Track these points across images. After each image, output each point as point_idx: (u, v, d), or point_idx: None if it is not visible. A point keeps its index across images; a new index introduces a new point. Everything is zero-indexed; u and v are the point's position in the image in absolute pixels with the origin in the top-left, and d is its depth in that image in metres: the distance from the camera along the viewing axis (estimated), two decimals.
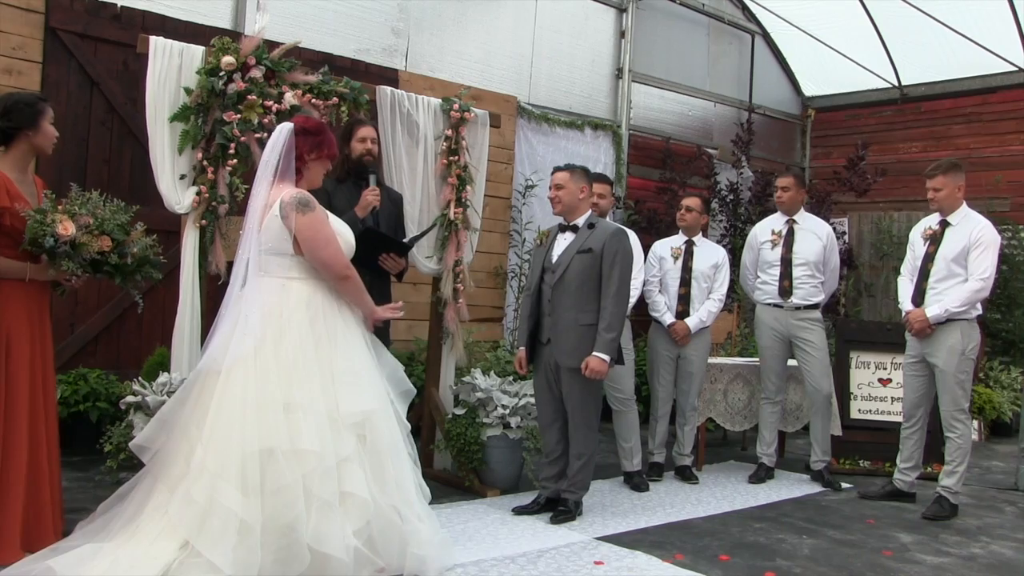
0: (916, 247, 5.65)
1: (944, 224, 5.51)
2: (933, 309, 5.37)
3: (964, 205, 5.53)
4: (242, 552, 3.24)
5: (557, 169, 5.02)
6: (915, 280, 5.57)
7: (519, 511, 4.94)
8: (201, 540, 3.25)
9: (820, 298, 6.19)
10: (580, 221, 4.96)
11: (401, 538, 3.57)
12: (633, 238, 5.84)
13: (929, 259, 5.50)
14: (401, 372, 3.98)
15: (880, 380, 6.87)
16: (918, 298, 5.51)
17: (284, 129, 3.79)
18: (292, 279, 3.70)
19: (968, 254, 5.36)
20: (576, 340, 4.81)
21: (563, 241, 4.97)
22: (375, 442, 3.64)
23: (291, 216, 3.64)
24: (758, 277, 6.31)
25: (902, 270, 5.76)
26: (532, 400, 5.22)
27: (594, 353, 4.73)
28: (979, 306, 5.48)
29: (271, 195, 3.70)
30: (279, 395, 3.49)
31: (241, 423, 3.42)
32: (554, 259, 4.94)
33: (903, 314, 5.60)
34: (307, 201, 3.69)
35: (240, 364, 3.51)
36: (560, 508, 4.90)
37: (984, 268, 5.33)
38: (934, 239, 5.52)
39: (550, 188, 5.01)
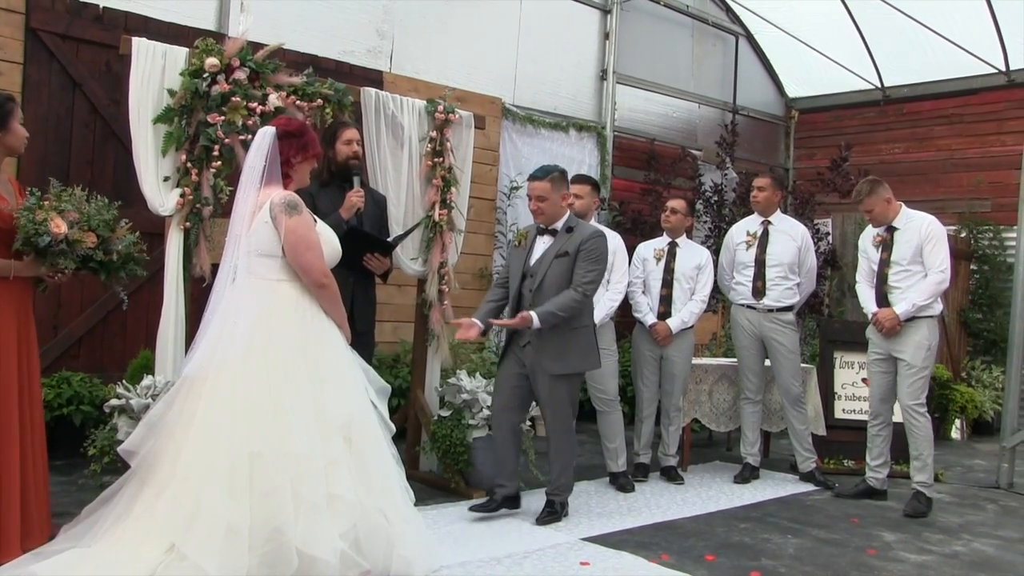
0: (869, 253, 5.81)
1: (891, 229, 5.67)
2: (901, 306, 5.51)
3: (903, 208, 5.69)
4: (229, 555, 3.23)
5: (533, 178, 4.90)
6: (875, 285, 5.70)
7: (476, 509, 4.88)
8: (188, 543, 3.24)
9: (794, 300, 6.24)
10: (559, 224, 4.93)
11: (388, 540, 3.56)
12: (618, 240, 5.87)
13: (885, 264, 5.66)
14: (373, 372, 3.97)
15: (864, 380, 6.89)
16: (882, 301, 5.64)
17: (267, 133, 3.78)
18: (281, 281, 3.71)
19: (922, 250, 5.53)
20: (561, 345, 4.78)
21: (541, 245, 4.93)
22: (360, 444, 3.64)
23: (280, 218, 3.65)
24: (733, 278, 6.35)
25: (857, 277, 5.93)
26: None
27: (532, 311, 4.67)
28: (940, 302, 5.62)
29: (260, 198, 3.70)
30: (268, 398, 3.48)
31: (230, 426, 3.41)
32: (532, 263, 4.91)
33: (870, 316, 5.70)
34: (295, 204, 3.70)
35: (228, 368, 3.51)
36: (547, 509, 4.89)
37: (940, 260, 5.51)
38: (885, 245, 5.68)
39: (530, 199, 4.91)
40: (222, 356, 3.53)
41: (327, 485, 3.46)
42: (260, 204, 3.69)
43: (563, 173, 4.95)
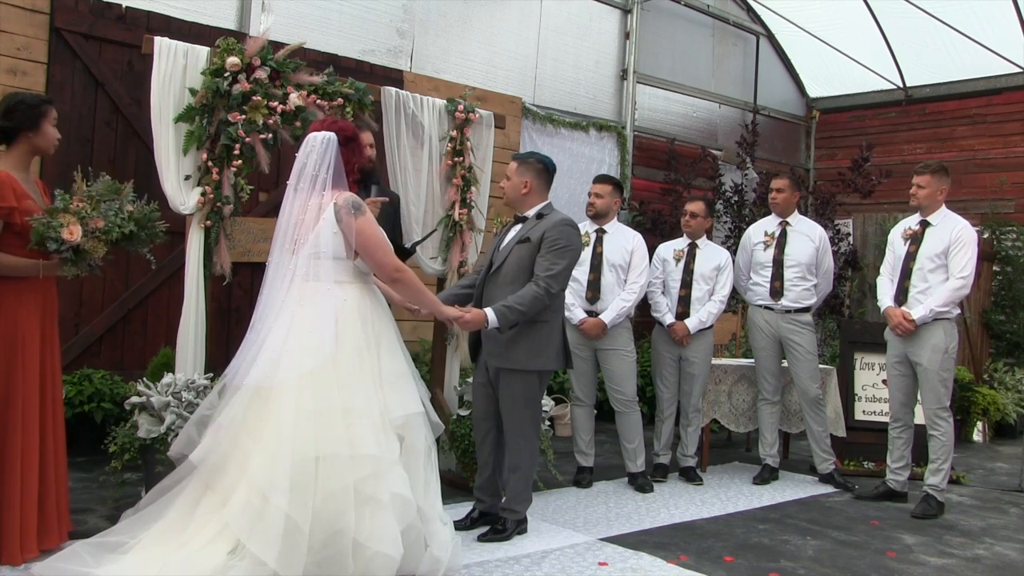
0: (896, 247, 5.72)
1: (924, 224, 5.59)
2: (918, 311, 5.42)
3: (944, 207, 5.60)
4: (288, 551, 3.23)
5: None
6: (897, 280, 5.62)
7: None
8: (252, 539, 3.23)
9: (812, 301, 6.21)
10: (530, 212, 4.64)
11: (422, 538, 3.57)
12: (638, 239, 5.86)
13: (911, 258, 5.57)
14: (420, 379, 3.93)
15: (884, 381, 6.84)
16: (900, 296, 5.57)
17: (329, 141, 3.69)
18: (344, 283, 3.68)
19: (949, 253, 5.44)
20: (510, 336, 4.38)
21: (512, 232, 4.67)
22: (412, 444, 3.65)
23: (346, 219, 3.63)
24: (750, 278, 6.33)
25: (882, 271, 5.83)
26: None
27: (485, 308, 4.26)
28: (959, 305, 5.54)
29: (323, 200, 3.66)
30: (339, 401, 3.47)
31: (295, 430, 3.39)
32: (499, 250, 4.63)
33: (882, 310, 5.65)
34: (359, 204, 3.68)
35: (300, 376, 3.47)
36: (496, 527, 4.50)
37: (963, 266, 5.39)
38: (915, 239, 5.60)
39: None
40: (290, 364, 3.48)
41: (389, 484, 3.45)
42: (323, 206, 3.65)
43: (537, 159, 4.73)
